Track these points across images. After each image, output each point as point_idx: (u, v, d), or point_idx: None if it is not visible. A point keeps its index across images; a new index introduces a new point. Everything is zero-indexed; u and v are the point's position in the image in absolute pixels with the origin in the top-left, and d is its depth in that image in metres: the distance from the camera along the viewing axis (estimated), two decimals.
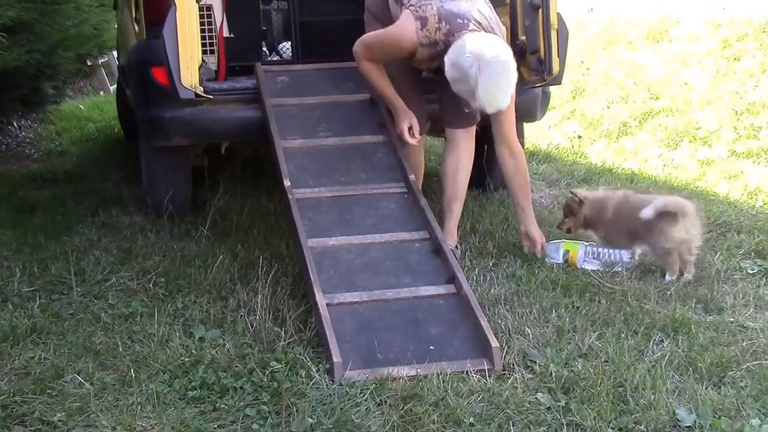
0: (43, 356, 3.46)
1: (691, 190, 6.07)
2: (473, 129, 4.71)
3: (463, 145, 4.66)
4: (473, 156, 4.71)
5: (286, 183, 4.27)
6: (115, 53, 10.34)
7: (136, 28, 5.21)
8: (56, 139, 8.60)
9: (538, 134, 8.05)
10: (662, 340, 3.60)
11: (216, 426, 2.97)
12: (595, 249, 4.51)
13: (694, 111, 8.04)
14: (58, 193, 6.05)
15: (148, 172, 5.25)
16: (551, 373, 3.29)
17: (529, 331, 3.66)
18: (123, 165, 6.89)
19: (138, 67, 4.95)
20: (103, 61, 11.17)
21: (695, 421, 2.97)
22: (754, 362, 3.37)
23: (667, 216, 4.26)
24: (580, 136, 7.97)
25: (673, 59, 9.38)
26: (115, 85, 9.55)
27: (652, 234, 4.31)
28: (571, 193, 4.68)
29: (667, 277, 4.28)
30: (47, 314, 3.87)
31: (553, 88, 5.62)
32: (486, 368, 3.35)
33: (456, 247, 4.54)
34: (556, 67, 4.71)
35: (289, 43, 6.10)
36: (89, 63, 10.19)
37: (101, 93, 11.65)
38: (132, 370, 3.32)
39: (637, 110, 8.37)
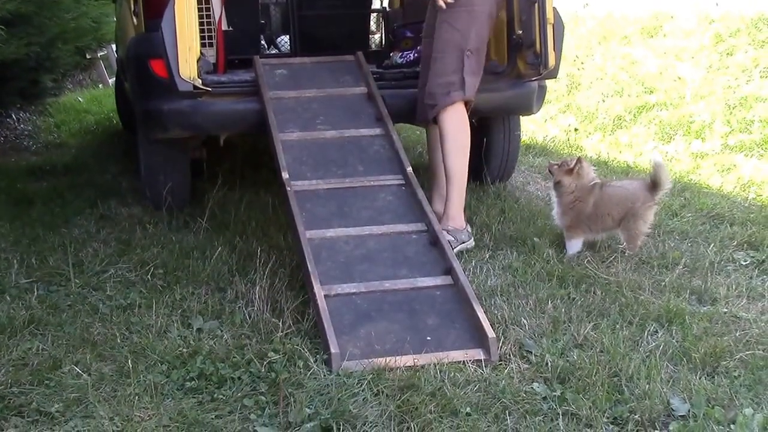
0: (41, 347, 3.47)
1: (685, 182, 6.10)
2: (452, 110, 4.58)
3: (445, 126, 4.59)
4: (462, 134, 4.61)
5: (284, 175, 4.29)
6: (113, 46, 10.33)
7: (135, 20, 5.21)
8: (55, 131, 8.60)
9: (535, 127, 8.08)
10: (657, 331, 3.63)
11: (214, 416, 2.99)
12: None
13: (688, 105, 8.08)
14: (56, 185, 6.05)
15: (147, 164, 5.25)
16: (547, 364, 3.32)
17: (525, 321, 3.69)
18: (121, 157, 6.89)
19: (137, 59, 4.95)
20: (101, 54, 11.17)
21: (689, 411, 3.00)
22: (747, 352, 3.40)
23: (648, 201, 4.52)
24: (576, 129, 8.00)
25: (666, 54, 9.41)
26: (114, 78, 9.55)
27: (634, 219, 4.51)
28: (578, 159, 4.62)
29: (628, 252, 4.54)
30: (45, 305, 3.89)
31: (549, 82, 5.64)
32: (482, 358, 3.38)
33: (464, 229, 4.61)
34: (551, 61, 4.72)
35: (288, 36, 6.11)
36: (88, 56, 10.19)
37: (100, 86, 11.64)
38: (130, 360, 3.33)
39: (632, 104, 8.41)
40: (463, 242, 4.56)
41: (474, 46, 4.53)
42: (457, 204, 4.64)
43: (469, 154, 4.66)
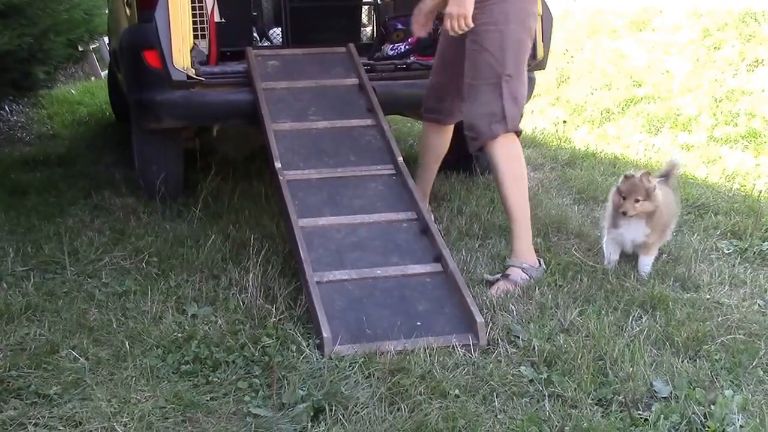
0: (38, 332, 3.52)
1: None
2: (500, 140, 4.16)
3: (495, 158, 4.19)
4: (516, 163, 4.20)
5: (277, 165, 4.34)
6: (105, 39, 10.32)
7: (128, 12, 5.23)
8: (48, 123, 8.58)
9: (524, 119, 8.09)
10: (641, 316, 3.70)
11: (209, 398, 3.05)
12: None
13: (675, 98, 8.15)
14: (50, 176, 6.07)
15: (141, 154, 5.29)
16: (534, 348, 3.38)
17: (513, 307, 3.75)
18: (115, 148, 6.90)
19: (130, 50, 4.97)
20: (94, 46, 11.13)
21: (671, 392, 3.07)
22: (728, 337, 3.48)
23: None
24: (564, 122, 8.07)
25: (655, 48, 9.47)
26: (106, 71, 9.55)
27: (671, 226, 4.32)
28: (645, 175, 4.08)
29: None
30: (41, 292, 3.93)
31: (538, 75, 5.68)
32: (471, 343, 3.43)
33: (539, 265, 4.20)
34: (540, 53, 4.78)
35: (280, 28, 6.15)
36: (80, 48, 10.17)
37: (92, 78, 11.61)
38: (126, 345, 3.39)
39: (620, 97, 8.47)
40: (536, 279, 4.10)
41: (513, 69, 4.10)
42: (525, 239, 4.22)
43: (526, 182, 4.27)
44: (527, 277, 4.08)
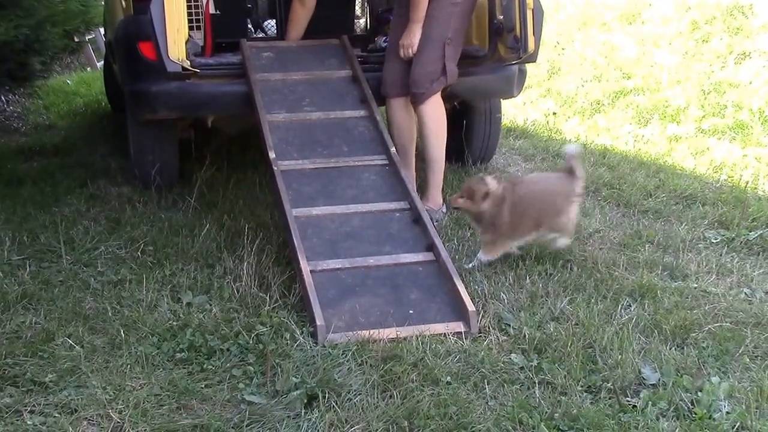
0: (34, 321, 3.56)
1: (659, 164, 6.22)
2: (432, 99, 4.81)
3: (426, 116, 4.81)
4: (441, 123, 4.86)
5: (271, 155, 4.37)
6: (101, 30, 10.28)
7: (124, 3, 5.23)
8: (44, 113, 8.56)
9: (515, 111, 8.16)
10: (630, 305, 3.76)
11: (203, 386, 3.10)
12: None
13: (664, 90, 8.19)
14: (46, 166, 6.08)
15: (136, 144, 5.30)
16: (524, 335, 3.44)
17: (504, 296, 3.81)
18: (110, 138, 6.89)
19: (125, 42, 4.98)
20: (90, 37, 11.08)
21: (659, 379, 3.13)
22: (715, 325, 3.54)
23: (570, 197, 4.23)
24: (555, 113, 8.11)
25: (644, 40, 9.51)
26: (102, 62, 9.52)
27: (558, 215, 4.21)
28: (482, 180, 4.25)
29: (563, 242, 4.25)
30: (37, 281, 3.96)
31: (530, 67, 5.72)
32: (463, 331, 3.50)
33: (440, 209, 4.89)
34: (531, 46, 4.80)
35: (274, 20, 6.16)
36: (76, 39, 10.13)
37: (88, 69, 11.57)
38: (121, 333, 3.43)
39: (610, 89, 8.51)
40: (437, 220, 4.75)
41: (453, 35, 4.77)
42: (437, 186, 4.93)
43: (445, 140, 4.91)
44: (434, 218, 4.65)
